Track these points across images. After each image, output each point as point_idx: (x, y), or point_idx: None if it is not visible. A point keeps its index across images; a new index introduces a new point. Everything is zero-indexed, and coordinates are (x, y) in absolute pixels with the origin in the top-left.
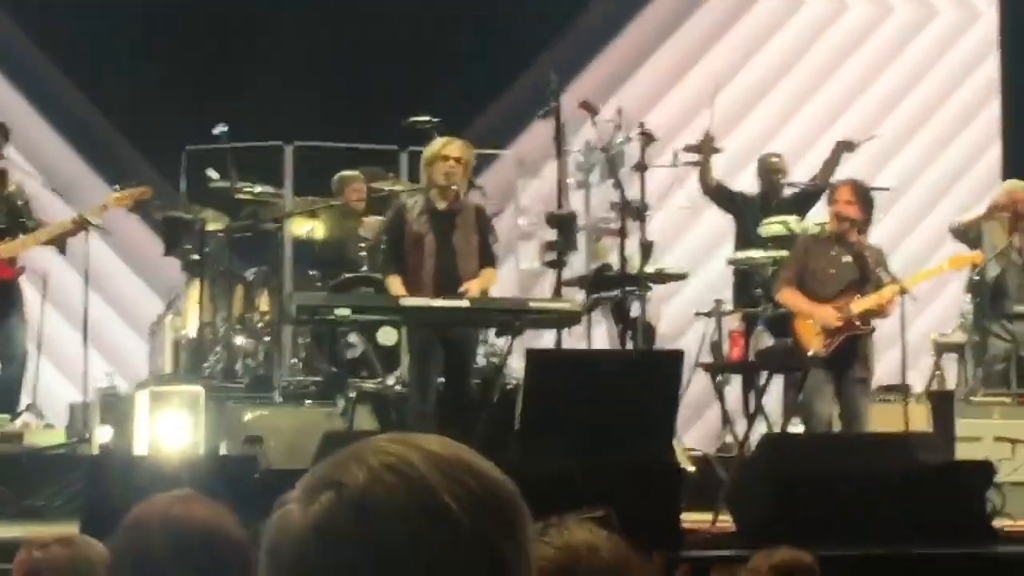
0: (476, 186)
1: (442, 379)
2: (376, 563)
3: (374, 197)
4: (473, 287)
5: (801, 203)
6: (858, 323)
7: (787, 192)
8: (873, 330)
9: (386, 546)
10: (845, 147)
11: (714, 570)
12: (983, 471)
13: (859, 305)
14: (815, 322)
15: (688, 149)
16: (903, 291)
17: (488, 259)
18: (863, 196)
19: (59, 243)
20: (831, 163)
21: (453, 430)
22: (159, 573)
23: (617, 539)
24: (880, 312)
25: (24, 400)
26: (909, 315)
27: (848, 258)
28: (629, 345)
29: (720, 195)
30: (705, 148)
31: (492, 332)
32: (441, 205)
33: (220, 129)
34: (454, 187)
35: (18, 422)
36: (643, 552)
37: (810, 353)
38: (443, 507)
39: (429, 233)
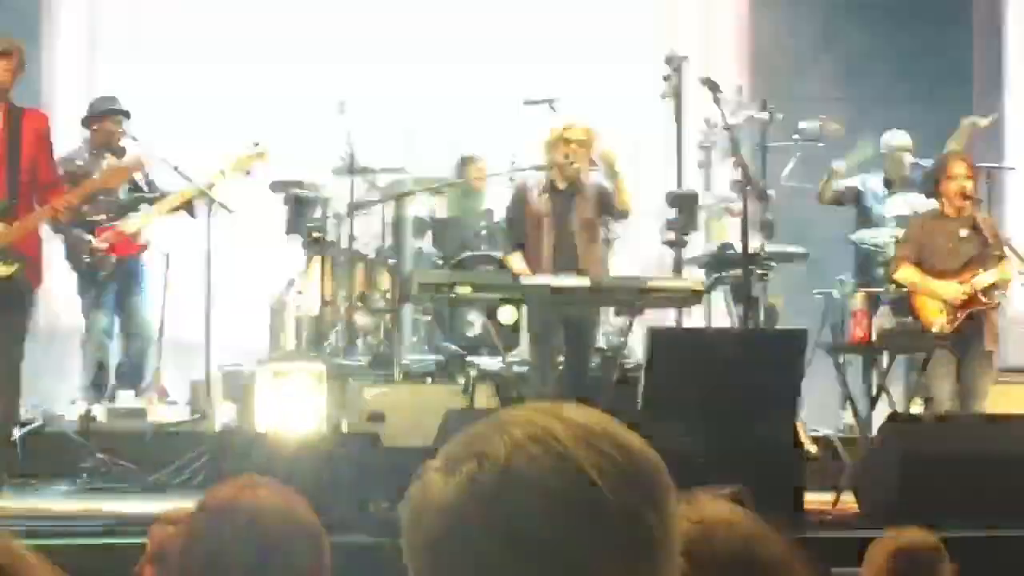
0: (599, 169)
1: (562, 359)
2: (517, 534)
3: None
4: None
5: (924, 182)
6: (983, 297)
7: (912, 171)
8: (998, 304)
9: (528, 518)
10: (975, 124)
11: None
12: None
13: (982, 280)
14: (939, 299)
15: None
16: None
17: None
18: (974, 170)
19: (188, 209)
20: (961, 140)
21: None
22: (233, 559)
23: (752, 515)
24: (1003, 288)
25: (148, 377)
26: None
27: (966, 232)
28: (750, 325)
29: (845, 198)
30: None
31: (612, 313)
32: (561, 185)
33: (341, 105)
34: (575, 166)
35: (142, 399)
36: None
37: (934, 330)
38: (586, 479)
39: (549, 213)
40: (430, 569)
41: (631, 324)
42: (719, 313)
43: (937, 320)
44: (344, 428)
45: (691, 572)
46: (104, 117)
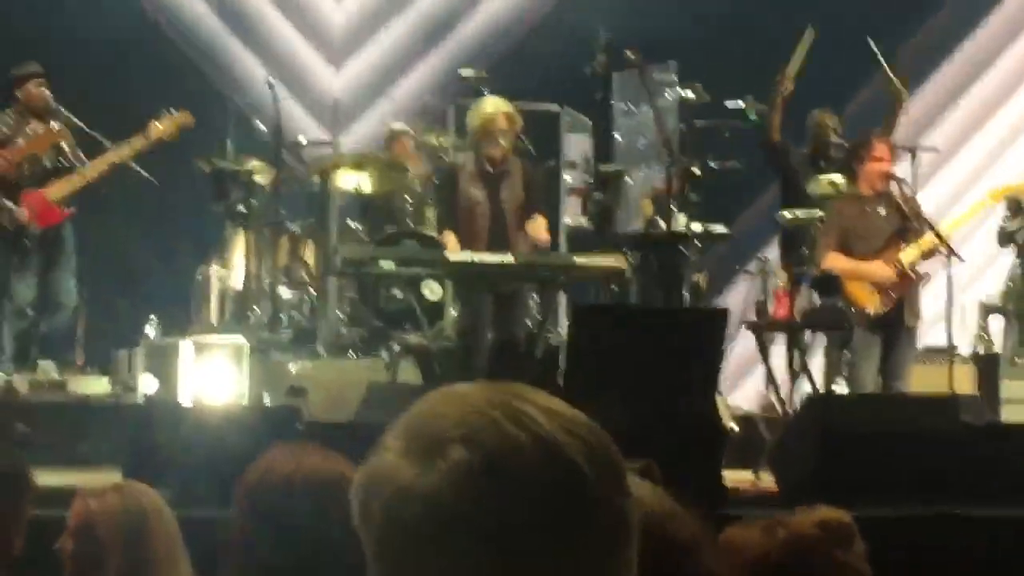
0: (523, 141)
1: (490, 334)
2: (513, 522)
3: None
4: (534, 231)
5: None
6: (911, 273)
7: (837, 151)
8: (928, 276)
9: (522, 505)
10: (900, 99)
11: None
12: None
13: (908, 255)
14: (872, 280)
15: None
16: (941, 236)
17: (536, 208)
18: (894, 150)
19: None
20: (892, 120)
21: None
22: (304, 531)
23: (660, 490)
24: (928, 257)
25: (71, 349)
26: (957, 276)
27: (884, 211)
28: (674, 303)
29: (780, 149)
30: (779, 94)
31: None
32: (490, 165)
33: (269, 81)
34: (502, 146)
35: (65, 370)
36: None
37: (870, 312)
38: (574, 466)
39: (480, 194)
40: (412, 563)
41: (555, 300)
42: (647, 291)
43: (871, 302)
44: (267, 402)
45: None
46: (27, 80)
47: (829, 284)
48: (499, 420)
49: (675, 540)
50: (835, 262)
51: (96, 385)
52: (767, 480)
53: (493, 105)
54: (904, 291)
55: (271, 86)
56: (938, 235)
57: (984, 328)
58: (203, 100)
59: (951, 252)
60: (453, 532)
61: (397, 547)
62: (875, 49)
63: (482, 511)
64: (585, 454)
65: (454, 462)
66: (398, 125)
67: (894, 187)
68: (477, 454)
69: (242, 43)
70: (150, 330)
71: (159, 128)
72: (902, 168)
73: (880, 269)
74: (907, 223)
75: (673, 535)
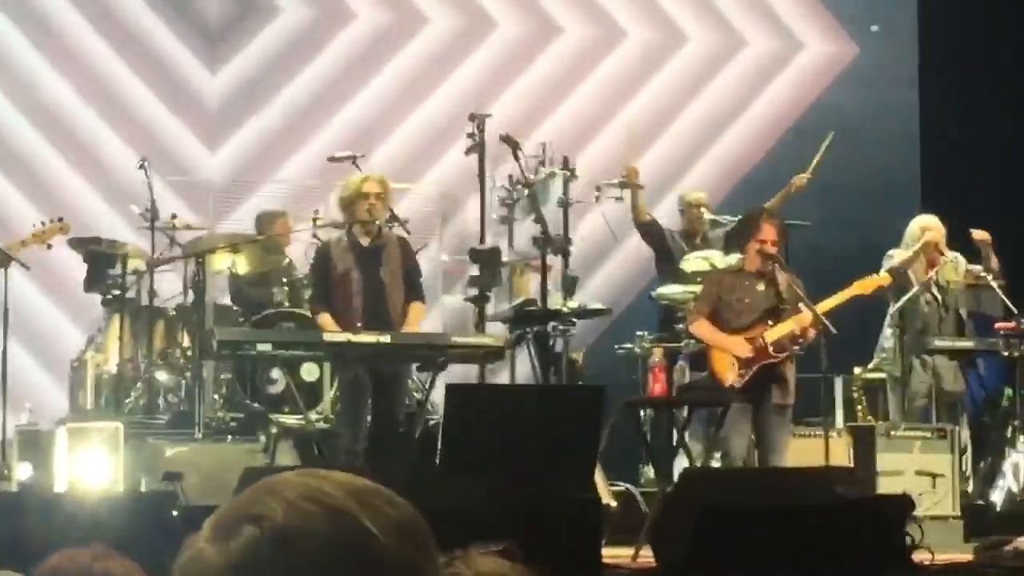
0: (401, 222)
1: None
2: None
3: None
4: (409, 328)
5: (728, 237)
6: (772, 351)
7: (714, 229)
8: (790, 357)
9: (313, 572)
10: (797, 188)
11: None
12: (902, 505)
13: (773, 333)
14: (728, 353)
15: (614, 184)
16: (816, 315)
17: (415, 293)
18: (783, 230)
19: None
20: (780, 203)
21: (381, 467)
22: None
23: (523, 569)
24: (800, 338)
25: None
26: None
27: (762, 287)
28: (552, 381)
29: (652, 229)
30: (631, 182)
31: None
32: (365, 241)
33: (142, 163)
34: (377, 222)
35: None
36: None
37: (727, 385)
38: (364, 532)
39: (355, 269)
40: None
41: (434, 380)
42: (524, 369)
43: (728, 374)
44: (143, 487)
45: None
46: None
47: (702, 359)
48: (291, 498)
49: None
50: (699, 328)
51: None
52: (647, 556)
53: (363, 175)
54: (758, 366)
55: (144, 168)
56: (812, 312)
57: (860, 400)
58: (76, 183)
59: (825, 328)
60: None
61: None
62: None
63: None
64: (381, 523)
65: (244, 540)
66: (275, 207)
67: (780, 269)
68: (266, 529)
69: (111, 125)
70: (25, 417)
71: (35, 235)
72: None
73: (737, 343)
74: (782, 303)
75: None
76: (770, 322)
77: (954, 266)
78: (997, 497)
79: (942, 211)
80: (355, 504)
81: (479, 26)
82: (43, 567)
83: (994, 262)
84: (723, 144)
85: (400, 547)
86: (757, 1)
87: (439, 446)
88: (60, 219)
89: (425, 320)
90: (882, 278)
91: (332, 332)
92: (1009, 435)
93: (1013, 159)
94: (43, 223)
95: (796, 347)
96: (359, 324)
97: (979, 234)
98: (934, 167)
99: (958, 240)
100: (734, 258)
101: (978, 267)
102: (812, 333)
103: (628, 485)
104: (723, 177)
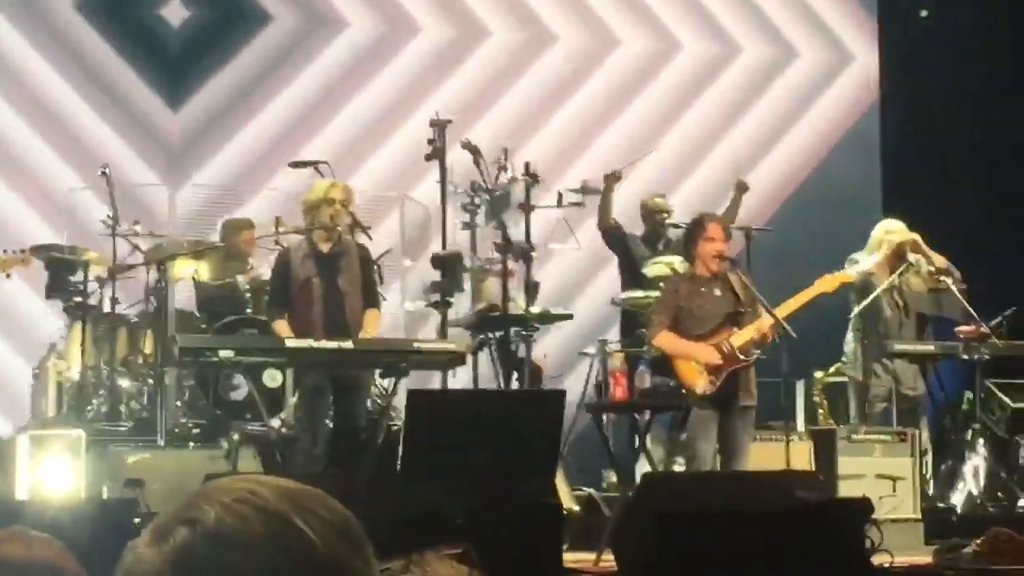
0: (363, 228)
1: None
2: None
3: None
4: (367, 335)
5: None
6: (740, 356)
7: (673, 233)
8: (756, 360)
9: (245, 574)
10: (743, 189)
11: None
12: (862, 508)
13: (739, 338)
14: (697, 362)
15: (576, 190)
16: (777, 320)
17: (372, 300)
18: (728, 231)
19: None
20: (735, 206)
21: (342, 472)
22: None
23: (476, 573)
24: (761, 342)
25: None
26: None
27: (721, 293)
28: (515, 386)
29: (615, 234)
30: (610, 183)
31: (378, 374)
32: (325, 247)
33: (104, 169)
34: (338, 229)
35: None
36: None
37: (698, 392)
38: (297, 532)
39: (315, 276)
40: None
41: (396, 386)
42: (486, 374)
43: (699, 382)
44: (105, 495)
45: None
46: None
47: (664, 364)
48: (225, 502)
49: None
50: (664, 340)
51: None
52: (608, 560)
53: (326, 181)
54: (728, 371)
55: (105, 173)
56: (773, 316)
57: (821, 404)
58: (38, 187)
59: (785, 332)
60: None
61: None
62: None
63: None
64: (315, 525)
65: (179, 541)
66: (240, 217)
67: (732, 270)
68: (200, 531)
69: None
70: None
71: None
72: (737, 249)
73: (705, 351)
74: (741, 306)
75: None
76: (733, 327)
77: (916, 269)
78: (957, 500)
79: (903, 216)
80: (289, 506)
81: (469, 35)
82: None
83: (938, 260)
84: (715, 155)
85: (334, 548)
86: (748, 9)
87: (400, 451)
88: (23, 251)
89: (379, 327)
90: (845, 275)
91: (288, 338)
92: (969, 438)
93: (974, 164)
94: (3, 251)
95: (758, 351)
96: (319, 331)
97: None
98: (895, 172)
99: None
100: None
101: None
102: (771, 335)
103: (590, 490)
104: (717, 185)
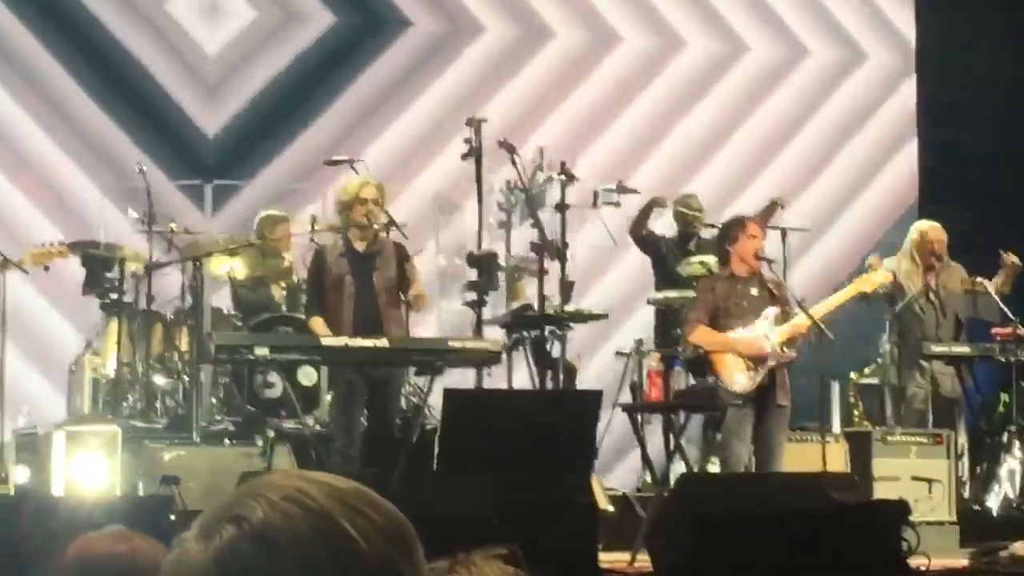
0: (398, 226)
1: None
2: None
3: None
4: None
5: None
6: (780, 353)
7: (706, 233)
8: (795, 358)
9: (290, 570)
10: (779, 205)
11: None
12: (898, 510)
13: (777, 336)
14: (741, 355)
15: (612, 190)
16: (814, 320)
17: (410, 284)
18: (765, 230)
19: None
20: (765, 219)
21: (376, 472)
22: None
23: (521, 573)
24: (795, 342)
25: None
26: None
27: (755, 290)
28: (549, 385)
29: (646, 241)
30: (652, 207)
31: (413, 372)
32: (360, 246)
33: (140, 167)
34: (374, 227)
35: None
36: None
37: (739, 390)
38: (344, 533)
39: (349, 274)
40: None
41: (431, 384)
42: (521, 374)
43: (739, 377)
44: (140, 491)
45: None
46: None
47: (701, 364)
48: (273, 499)
49: None
50: (701, 336)
51: None
52: (643, 561)
53: (362, 178)
54: (768, 367)
55: (142, 171)
56: (809, 317)
57: (856, 405)
58: (73, 186)
59: (821, 332)
60: None
61: None
62: None
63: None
64: (362, 526)
65: (225, 539)
66: (275, 211)
67: (765, 269)
68: (247, 529)
69: (114, 123)
70: (22, 420)
71: (34, 256)
72: (773, 249)
73: (747, 342)
74: (777, 305)
75: None
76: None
77: (952, 272)
78: (993, 503)
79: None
80: (337, 506)
81: (471, 29)
82: (65, 557)
83: (1007, 286)
84: (729, 150)
85: (381, 549)
86: (759, 7)
87: (436, 450)
88: (61, 243)
89: (425, 306)
90: (884, 275)
91: (325, 336)
92: (1005, 441)
93: (1013, 166)
94: (43, 244)
95: (794, 350)
96: (350, 330)
97: (1011, 259)
98: (933, 173)
99: (960, 250)
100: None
101: (989, 282)
102: (808, 335)
103: (625, 490)
104: (734, 181)
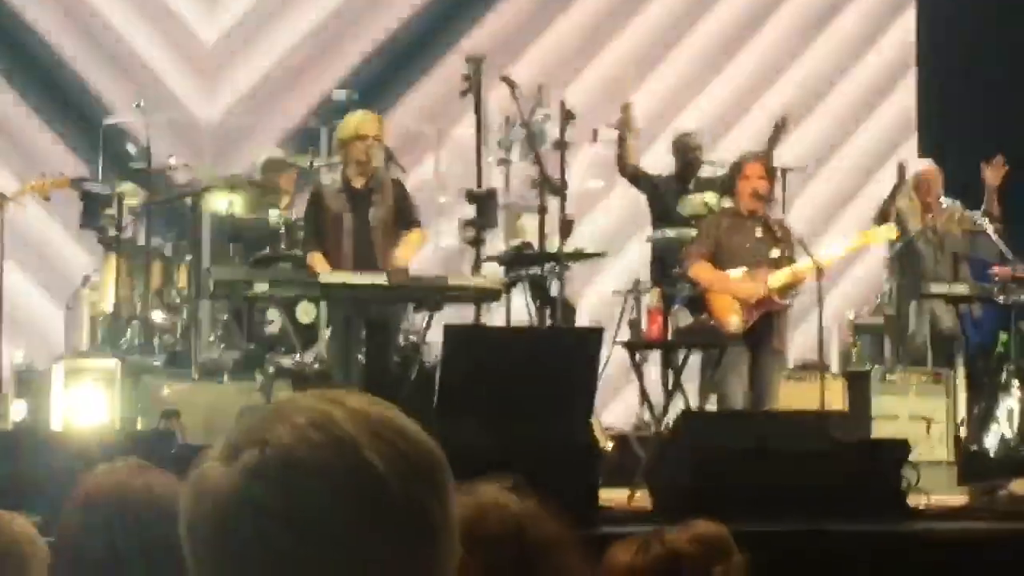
0: (397, 162)
1: (363, 356)
2: (301, 520)
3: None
4: (402, 252)
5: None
6: (776, 298)
7: (706, 170)
8: (790, 305)
9: (311, 503)
10: (784, 126)
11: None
12: (898, 449)
13: (776, 279)
14: (734, 296)
15: (613, 128)
16: (818, 267)
17: (412, 222)
18: (771, 171)
19: None
20: (773, 142)
21: None
22: (126, 551)
23: (526, 498)
24: (794, 286)
25: None
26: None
27: (761, 233)
28: (548, 323)
29: (637, 178)
30: (624, 126)
31: (411, 309)
32: (359, 183)
33: (138, 103)
34: (371, 154)
35: None
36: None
37: (732, 329)
38: (368, 465)
39: (347, 211)
40: (213, 558)
41: (430, 321)
42: (519, 311)
43: (732, 318)
44: (139, 426)
45: (464, 551)
46: None
47: (701, 303)
48: (298, 423)
49: (534, 539)
50: (700, 271)
51: None
52: (643, 498)
53: (361, 114)
54: (762, 312)
55: (140, 107)
56: (815, 262)
57: (855, 345)
58: (71, 122)
59: (822, 275)
60: (249, 527)
61: (202, 544)
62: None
63: (276, 508)
64: (390, 457)
65: (246, 461)
66: (276, 152)
67: (771, 211)
68: (268, 453)
69: (111, 65)
70: (19, 355)
71: (33, 187)
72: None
73: (742, 285)
74: (780, 248)
75: (532, 535)
76: (772, 268)
77: (951, 213)
78: (991, 442)
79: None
80: (364, 434)
81: None
82: (77, 491)
83: (995, 206)
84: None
85: (406, 483)
86: None
87: (436, 387)
88: (60, 173)
89: (423, 247)
90: (890, 229)
91: (324, 271)
92: (1003, 380)
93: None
94: (43, 175)
95: (794, 293)
96: (348, 266)
97: (992, 171)
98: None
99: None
100: (728, 202)
101: (976, 212)
102: (805, 282)
103: (621, 428)
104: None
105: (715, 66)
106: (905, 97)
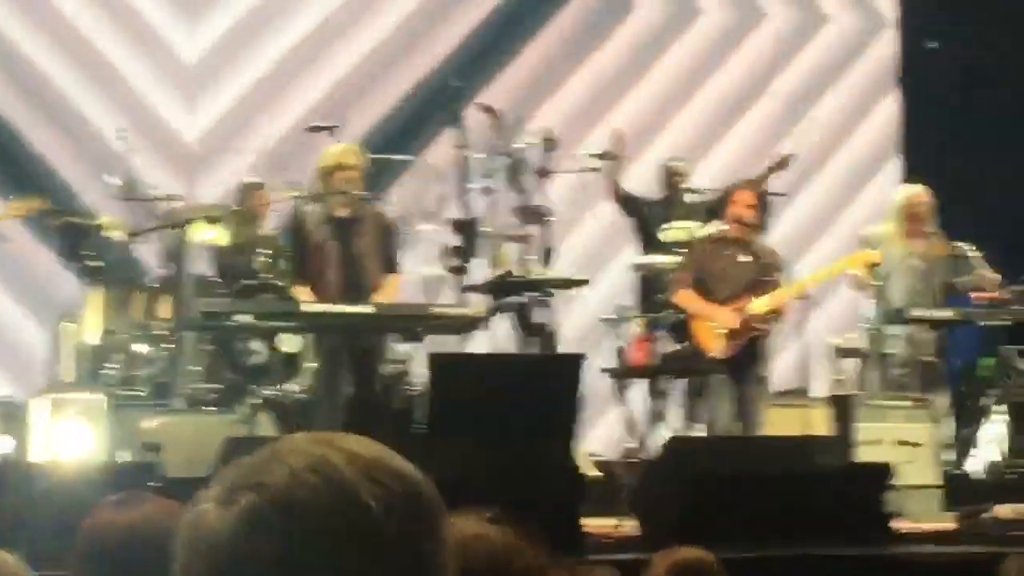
0: (382, 195)
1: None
2: (298, 564)
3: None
4: (381, 299)
5: (709, 210)
6: (757, 324)
7: (691, 198)
8: (770, 331)
9: (308, 547)
10: (782, 164)
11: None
12: (881, 473)
13: (757, 306)
14: (714, 324)
15: (596, 156)
16: (801, 292)
17: (391, 266)
18: (762, 200)
19: None
20: (764, 177)
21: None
22: None
23: (506, 529)
24: (778, 314)
25: None
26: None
27: (745, 259)
28: (532, 351)
29: (627, 203)
30: (615, 154)
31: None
32: (342, 213)
33: (120, 132)
34: (352, 184)
35: None
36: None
37: (712, 355)
38: (365, 508)
39: (331, 241)
40: None
41: (414, 351)
42: (504, 339)
43: (715, 345)
44: (122, 459)
45: None
46: None
47: (685, 330)
48: (294, 467)
49: (517, 570)
50: (683, 298)
51: None
52: (629, 525)
53: (341, 146)
54: (745, 339)
55: (123, 137)
56: (798, 288)
57: (839, 370)
58: (51, 154)
59: (805, 300)
60: (243, 566)
61: None
62: None
63: (273, 554)
64: (382, 497)
65: (244, 506)
66: (254, 178)
67: (757, 237)
68: (266, 497)
69: (91, 93)
70: (2, 389)
71: (11, 208)
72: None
73: (723, 314)
74: (764, 274)
75: (516, 566)
76: (753, 294)
77: (936, 237)
78: (974, 466)
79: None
80: (360, 477)
81: None
82: (79, 530)
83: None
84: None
85: (399, 524)
86: None
87: (427, 415)
88: (38, 195)
89: (399, 294)
90: (873, 254)
91: (308, 303)
92: (986, 405)
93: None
94: (20, 197)
95: (776, 320)
96: (335, 296)
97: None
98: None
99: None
100: (712, 227)
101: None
102: (790, 309)
103: (602, 455)
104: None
105: (687, 93)
106: (887, 119)
